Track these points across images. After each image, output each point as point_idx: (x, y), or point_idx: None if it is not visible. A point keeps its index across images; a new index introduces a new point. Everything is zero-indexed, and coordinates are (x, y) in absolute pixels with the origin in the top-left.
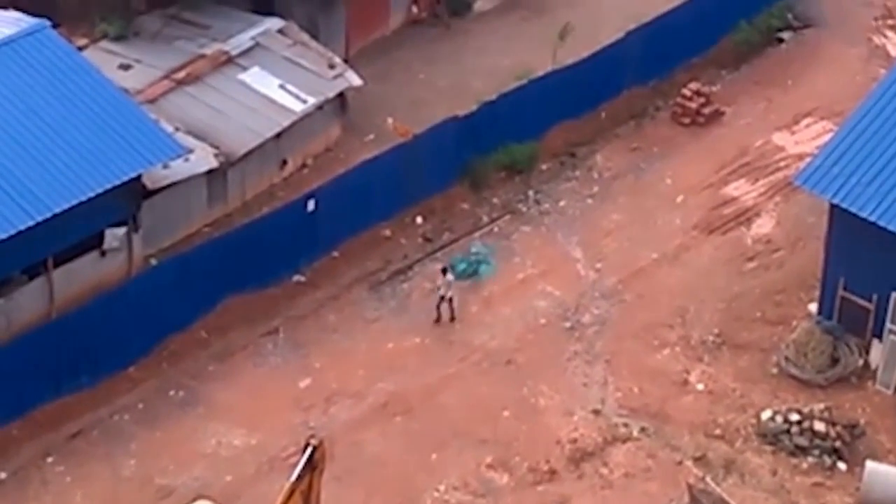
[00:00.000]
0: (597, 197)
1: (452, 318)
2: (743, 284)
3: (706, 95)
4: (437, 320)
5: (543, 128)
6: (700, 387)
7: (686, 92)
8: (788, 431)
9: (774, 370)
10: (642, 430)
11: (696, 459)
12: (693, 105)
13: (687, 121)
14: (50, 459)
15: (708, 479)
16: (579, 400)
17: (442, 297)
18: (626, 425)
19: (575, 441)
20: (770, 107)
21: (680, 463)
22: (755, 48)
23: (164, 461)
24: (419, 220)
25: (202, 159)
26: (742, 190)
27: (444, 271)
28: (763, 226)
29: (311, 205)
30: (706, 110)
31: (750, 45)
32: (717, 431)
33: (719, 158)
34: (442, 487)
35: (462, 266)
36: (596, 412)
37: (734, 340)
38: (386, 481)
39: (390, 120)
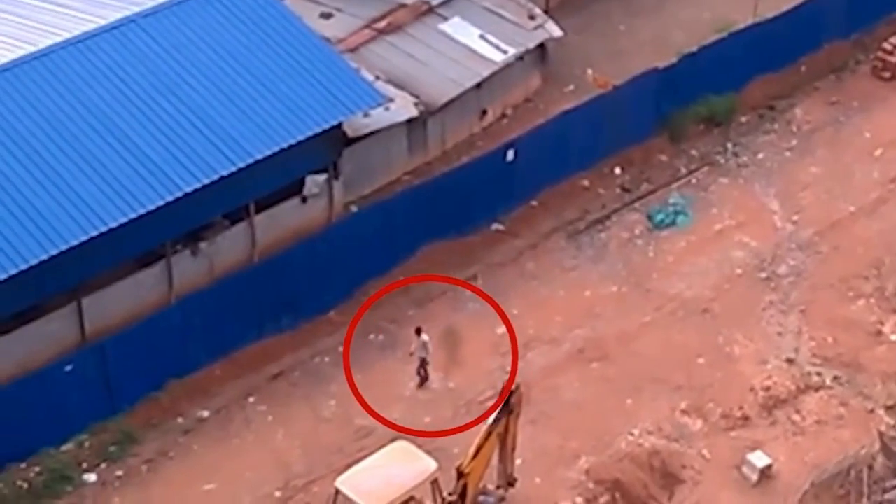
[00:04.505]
0: (795, 150)
1: (425, 380)
2: None
3: None
4: (421, 384)
5: (743, 81)
6: (893, 337)
7: (887, 46)
8: None
9: None
10: (835, 378)
11: (888, 408)
12: (894, 59)
13: (887, 75)
14: (252, 399)
15: None
16: (773, 349)
17: (422, 360)
18: (819, 374)
19: (768, 389)
20: None
21: (872, 411)
22: None
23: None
24: (617, 170)
25: (402, 108)
26: None
27: (419, 332)
28: None
29: (510, 154)
30: None
31: None
32: None
33: None
34: (636, 432)
35: (660, 216)
36: (790, 361)
37: None
38: (581, 425)
39: (590, 71)
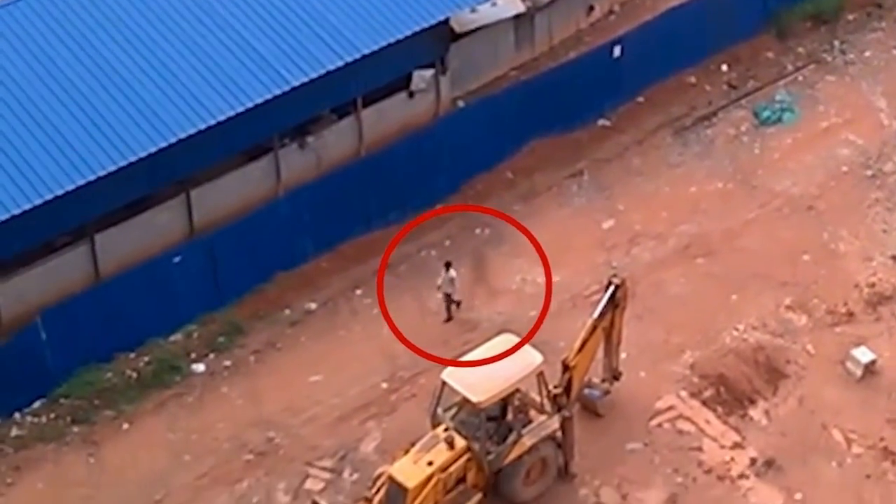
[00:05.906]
0: None
1: (449, 318)
2: None
3: None
4: (449, 319)
5: None
6: None
7: None
8: None
9: None
10: None
11: None
12: None
13: None
14: (358, 291)
15: None
16: (879, 245)
17: (447, 296)
18: None
19: (873, 285)
20: None
21: None
22: None
23: (470, 296)
24: (724, 67)
25: (510, 4)
26: None
27: (448, 266)
28: None
29: (617, 51)
30: None
31: None
32: None
33: None
34: (741, 327)
35: (766, 113)
36: (895, 258)
37: None
38: (686, 320)
39: None
